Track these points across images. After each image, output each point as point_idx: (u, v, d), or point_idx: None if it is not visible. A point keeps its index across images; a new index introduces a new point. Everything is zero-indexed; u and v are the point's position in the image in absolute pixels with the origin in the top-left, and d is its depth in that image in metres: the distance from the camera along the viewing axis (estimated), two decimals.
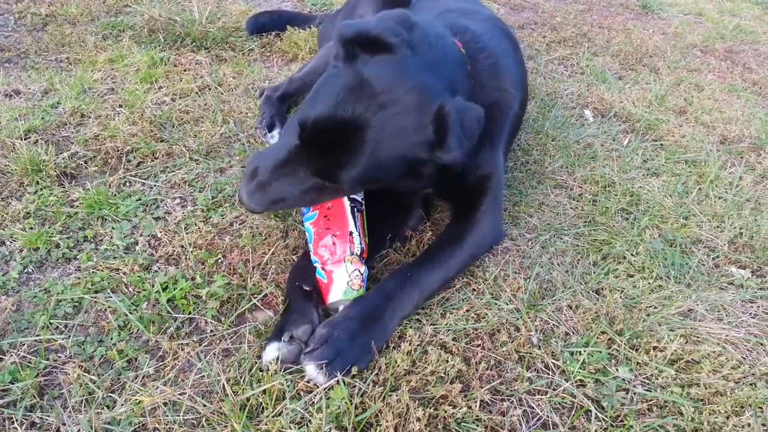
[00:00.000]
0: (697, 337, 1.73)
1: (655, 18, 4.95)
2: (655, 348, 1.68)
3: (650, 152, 2.74)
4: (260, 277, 1.72)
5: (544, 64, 3.53)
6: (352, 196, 1.76)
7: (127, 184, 2.02)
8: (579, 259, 2.00)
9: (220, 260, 1.75)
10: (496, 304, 1.75)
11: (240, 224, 1.91)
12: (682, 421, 1.48)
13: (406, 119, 1.47)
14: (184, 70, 2.72)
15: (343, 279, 1.63)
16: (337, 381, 1.38)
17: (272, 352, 1.46)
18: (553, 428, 1.45)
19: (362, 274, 1.66)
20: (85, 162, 2.06)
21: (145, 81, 2.56)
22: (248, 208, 1.58)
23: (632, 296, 1.86)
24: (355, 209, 1.76)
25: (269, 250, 1.80)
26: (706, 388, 1.57)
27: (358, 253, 1.69)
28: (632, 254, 2.04)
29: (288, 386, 1.38)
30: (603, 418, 1.48)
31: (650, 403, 1.53)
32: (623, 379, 1.58)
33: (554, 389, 1.54)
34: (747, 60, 4.29)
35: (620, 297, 1.83)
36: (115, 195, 1.94)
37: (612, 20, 4.60)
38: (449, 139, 1.47)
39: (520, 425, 1.44)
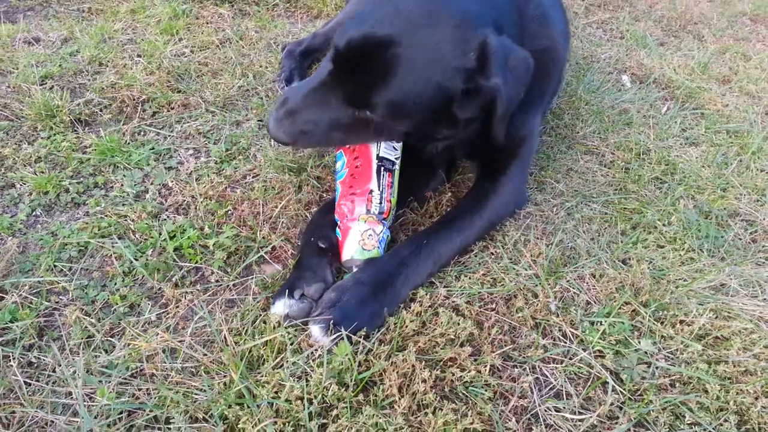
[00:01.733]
0: (729, 313, 1.62)
1: None
2: (681, 322, 1.58)
3: (690, 121, 2.59)
4: (270, 230, 1.66)
5: (582, 27, 3.37)
6: (382, 155, 1.67)
7: (142, 133, 1.98)
8: (606, 228, 1.90)
9: (230, 212, 1.70)
10: (514, 269, 1.67)
11: (253, 177, 1.85)
12: (707, 398, 1.39)
13: (446, 44, 1.38)
14: (206, 23, 2.66)
15: (355, 237, 1.56)
16: (342, 338, 1.32)
17: (281, 307, 1.41)
18: (567, 398, 1.37)
19: (377, 234, 1.59)
20: (100, 110, 2.02)
21: (165, 32, 2.51)
22: (274, 136, 1.51)
23: (661, 267, 1.75)
24: (383, 168, 1.66)
25: (281, 203, 1.74)
26: (734, 366, 1.47)
27: (376, 213, 1.61)
28: (664, 224, 1.92)
29: (290, 339, 1.33)
30: (621, 391, 1.39)
31: (673, 378, 1.44)
32: (645, 352, 1.49)
33: (570, 358, 1.46)
34: None
35: (648, 267, 1.72)
36: (128, 143, 1.91)
37: None
38: (492, 65, 1.37)
39: (532, 392, 1.37)
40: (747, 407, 1.38)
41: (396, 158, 1.70)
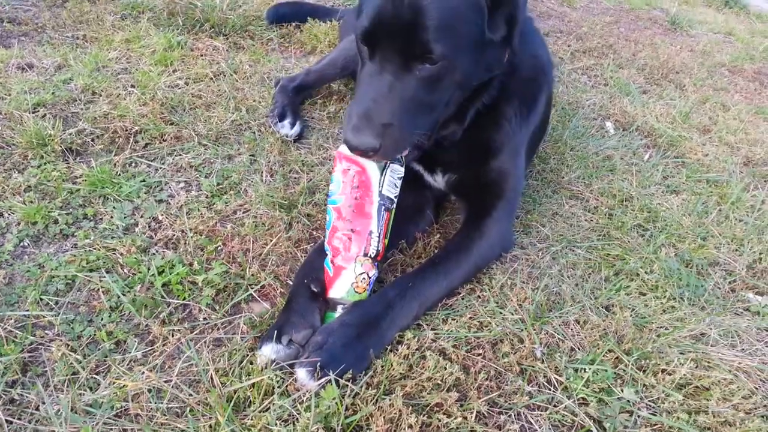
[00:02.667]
0: (708, 363, 1.66)
1: (683, 35, 4.87)
2: (663, 371, 1.60)
3: (671, 169, 2.66)
4: (259, 267, 1.67)
5: (568, 73, 3.47)
6: (384, 192, 1.67)
7: (133, 164, 1.98)
8: (590, 273, 1.93)
9: (219, 248, 1.70)
10: (500, 313, 1.69)
11: (243, 212, 1.86)
12: None
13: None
14: (201, 55, 2.69)
15: (349, 279, 1.57)
16: (329, 381, 1.32)
17: (268, 351, 1.40)
18: None
19: (369, 278, 1.60)
20: (92, 140, 2.02)
21: (160, 63, 2.53)
22: (359, 144, 1.46)
23: (643, 315, 1.78)
24: (383, 207, 1.67)
25: (271, 240, 1.75)
26: (714, 417, 1.50)
27: (372, 255, 1.62)
28: (646, 272, 1.97)
29: (277, 382, 1.32)
30: None
31: (654, 427, 1.46)
32: (628, 401, 1.51)
33: (555, 406, 1.47)
34: None
35: (630, 315, 1.75)
36: (120, 175, 1.91)
37: (639, 34, 4.52)
38: None
39: None
40: None
41: (395, 197, 1.72)
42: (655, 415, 1.49)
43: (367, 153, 1.49)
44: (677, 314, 1.81)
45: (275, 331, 1.44)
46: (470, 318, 1.66)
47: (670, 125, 3.02)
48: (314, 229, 1.85)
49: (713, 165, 2.74)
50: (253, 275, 1.64)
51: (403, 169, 1.73)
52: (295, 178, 2.05)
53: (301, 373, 1.34)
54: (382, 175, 1.66)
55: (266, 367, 1.35)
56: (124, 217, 1.75)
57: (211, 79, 2.51)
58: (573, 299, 1.80)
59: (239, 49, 2.86)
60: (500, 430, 1.39)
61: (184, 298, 1.53)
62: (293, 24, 3.21)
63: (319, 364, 1.34)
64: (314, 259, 1.66)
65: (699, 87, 3.69)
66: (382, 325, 1.51)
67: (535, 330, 1.65)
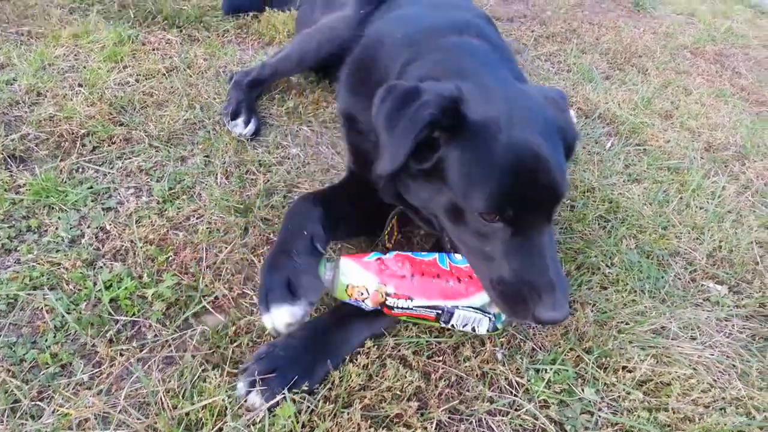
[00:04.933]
0: (669, 358, 1.66)
1: (647, 16, 4.86)
2: (624, 368, 1.61)
3: (633, 157, 2.66)
4: (213, 277, 1.62)
5: (531, 60, 3.44)
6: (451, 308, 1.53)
7: (80, 170, 1.90)
8: None
9: (171, 258, 1.64)
10: None
11: (197, 219, 1.80)
12: None
13: None
14: (153, 49, 2.59)
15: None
16: (277, 402, 1.28)
17: (285, 316, 1.35)
18: None
19: (363, 298, 1.49)
20: (36, 145, 1.93)
21: (109, 59, 2.43)
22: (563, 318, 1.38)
23: (604, 310, 1.78)
24: (430, 310, 1.52)
25: (225, 247, 1.70)
26: (674, 413, 1.50)
27: (384, 302, 1.50)
28: (607, 265, 1.96)
29: (230, 402, 1.28)
30: None
31: (616, 427, 1.46)
32: (589, 401, 1.51)
33: (516, 410, 1.46)
34: (737, 64, 4.23)
35: (591, 311, 1.75)
36: (65, 182, 1.83)
37: (603, 17, 4.51)
38: None
39: None
40: None
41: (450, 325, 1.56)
42: (616, 415, 1.49)
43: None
44: (638, 308, 1.82)
45: (285, 290, 1.37)
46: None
47: (632, 112, 3.02)
48: (272, 233, 1.80)
49: (674, 152, 2.75)
50: (206, 286, 1.59)
51: (484, 326, 1.53)
52: (251, 179, 1.99)
53: (240, 387, 1.31)
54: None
55: (218, 387, 1.31)
56: (70, 228, 1.68)
57: (164, 75, 2.42)
58: None
59: (194, 41, 2.76)
60: None
61: (133, 314, 1.48)
62: (250, 14, 3.11)
63: (257, 372, 1.31)
64: (310, 210, 1.59)
65: (661, 71, 3.70)
66: (332, 338, 1.47)
67: (496, 335, 1.63)
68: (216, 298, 1.57)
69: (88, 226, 1.70)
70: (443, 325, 1.52)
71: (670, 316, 1.81)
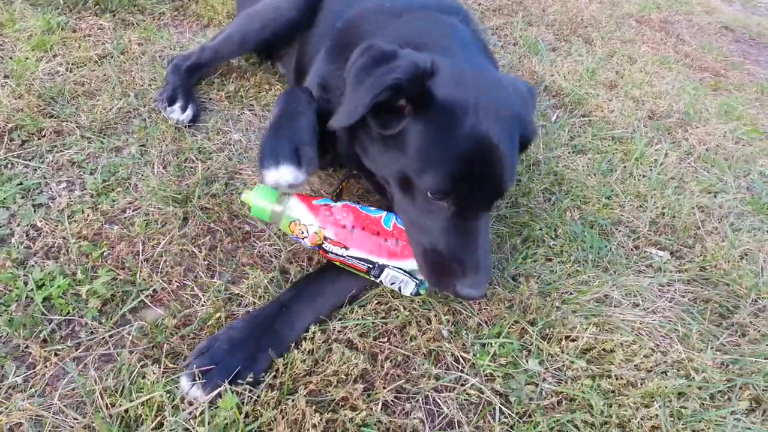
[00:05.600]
0: (611, 326, 1.70)
1: None
2: (567, 338, 1.64)
3: (578, 128, 2.69)
4: (151, 270, 1.58)
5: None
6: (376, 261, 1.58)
7: (8, 166, 1.82)
8: (498, 243, 1.94)
9: (106, 253, 1.59)
10: (411, 300, 1.67)
11: (133, 211, 1.75)
12: (591, 415, 1.44)
13: None
14: (84, 36, 2.48)
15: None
16: (218, 393, 1.26)
17: (286, 175, 1.45)
18: (458, 427, 1.39)
19: (306, 233, 1.57)
20: None
21: (37, 48, 2.32)
22: (482, 294, 1.46)
23: (548, 282, 1.81)
24: (364, 264, 1.58)
25: (164, 239, 1.66)
26: (617, 380, 1.54)
27: (323, 237, 1.56)
28: (551, 237, 1.99)
29: (169, 397, 1.26)
30: (510, 414, 1.43)
31: (560, 396, 1.49)
32: (534, 372, 1.53)
33: (462, 385, 1.47)
34: (681, 31, 4.31)
35: (536, 283, 1.77)
36: None
37: None
38: None
39: (423, 426, 1.37)
40: (628, 419, 1.45)
41: (379, 280, 1.62)
42: (560, 384, 1.52)
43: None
44: (581, 277, 1.85)
45: (294, 154, 1.49)
46: (377, 304, 1.63)
47: (577, 83, 3.05)
48: (212, 222, 1.76)
49: (619, 121, 2.79)
50: (144, 280, 1.54)
51: (409, 288, 1.59)
52: (190, 167, 1.94)
53: (183, 381, 1.29)
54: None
55: (157, 382, 1.28)
56: None
57: (96, 62, 2.33)
58: None
59: (128, 26, 2.66)
60: (407, 417, 1.38)
61: (68, 313, 1.43)
62: None
63: (197, 367, 1.28)
64: (308, 100, 1.72)
65: (607, 41, 3.74)
66: (275, 326, 1.46)
67: (441, 311, 1.64)
68: (154, 291, 1.54)
69: (18, 224, 1.63)
70: (373, 279, 1.58)
71: (612, 285, 1.84)
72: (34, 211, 1.68)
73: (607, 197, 2.26)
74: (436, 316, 1.61)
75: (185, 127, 2.10)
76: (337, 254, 1.55)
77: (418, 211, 1.47)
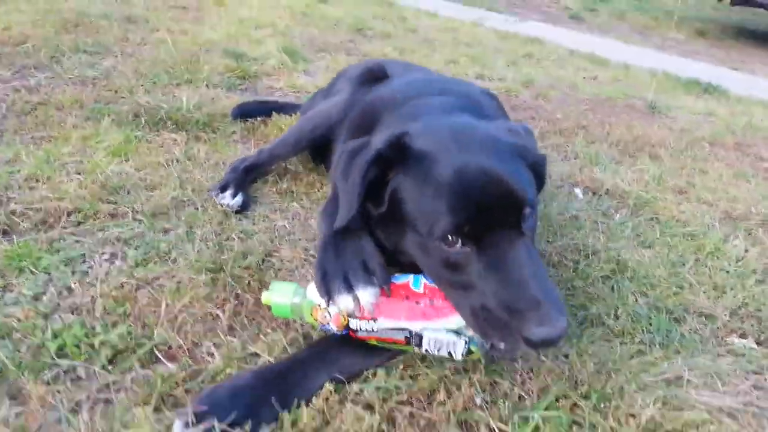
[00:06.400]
0: (682, 403, 1.43)
1: (662, 117, 4.88)
2: (628, 414, 1.39)
3: (644, 226, 2.52)
4: (170, 327, 1.53)
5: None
6: (421, 332, 1.41)
7: (60, 240, 1.90)
8: None
9: (128, 310, 1.57)
10: (441, 363, 1.50)
11: (167, 278, 1.74)
12: None
13: None
14: (159, 146, 2.70)
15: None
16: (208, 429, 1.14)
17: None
18: None
19: (328, 320, 1.42)
20: (22, 219, 1.96)
21: (114, 155, 2.53)
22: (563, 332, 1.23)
23: (606, 361, 1.58)
24: (403, 332, 1.41)
25: (188, 301, 1.62)
26: None
27: (352, 327, 1.42)
28: (612, 318, 1.78)
29: None
30: None
31: None
32: None
33: None
34: (758, 151, 4.13)
35: (593, 363, 1.55)
36: (42, 249, 1.82)
37: (616, 117, 4.53)
38: None
39: None
40: None
41: (424, 350, 1.42)
42: None
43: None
44: (647, 359, 1.61)
45: (365, 271, 1.41)
46: (404, 369, 1.47)
47: (643, 188, 2.92)
48: (242, 289, 1.72)
49: (690, 221, 2.61)
50: (159, 335, 1.49)
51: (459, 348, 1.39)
52: (230, 245, 1.95)
53: (176, 425, 1.17)
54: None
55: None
56: (35, 287, 1.64)
57: (162, 165, 2.50)
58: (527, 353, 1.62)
59: (199, 140, 2.87)
60: None
61: (77, 359, 1.38)
62: (259, 119, 3.26)
63: (194, 410, 1.17)
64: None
65: (676, 157, 3.63)
66: (286, 380, 1.35)
67: (476, 377, 1.45)
68: (169, 347, 1.47)
69: (53, 285, 1.66)
70: (416, 349, 1.39)
71: (683, 365, 1.59)
72: (72, 275, 1.71)
73: (679, 286, 2.04)
74: (470, 383, 1.43)
75: (233, 212, 2.15)
76: (367, 330, 1.40)
77: (446, 270, 1.36)
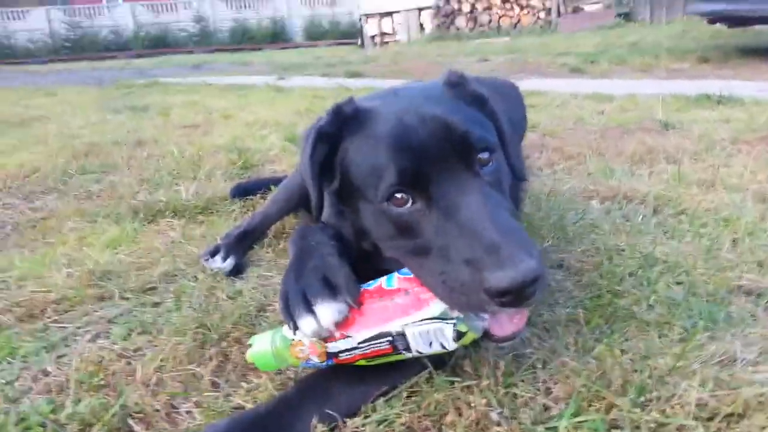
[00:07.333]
0: (738, 381, 1.20)
1: (677, 131, 4.68)
2: (675, 403, 1.16)
3: (669, 221, 2.32)
4: (146, 392, 1.38)
5: (546, 175, 3.27)
6: (405, 332, 1.20)
7: (44, 330, 1.80)
8: (574, 327, 1.54)
9: (102, 381, 1.43)
10: (450, 384, 1.31)
11: (148, 349, 1.61)
12: None
13: None
14: (156, 232, 2.64)
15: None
16: None
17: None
18: None
19: (307, 356, 1.26)
20: (4, 314, 1.87)
21: (108, 247, 2.48)
22: (532, 272, 1.01)
23: (645, 355, 1.36)
24: (390, 341, 1.21)
25: (170, 365, 1.48)
26: None
27: (331, 351, 1.24)
28: (644, 309, 1.57)
29: None
30: None
31: None
32: None
33: None
34: None
35: (629, 359, 1.34)
36: (23, 339, 1.72)
37: (629, 137, 4.36)
38: None
39: None
40: None
41: (416, 351, 1.22)
42: None
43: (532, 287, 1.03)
44: (691, 344, 1.38)
45: (325, 287, 1.24)
46: (408, 396, 1.29)
47: (663, 188, 2.73)
48: (228, 345, 1.57)
49: (720, 208, 2.39)
50: (136, 403, 1.34)
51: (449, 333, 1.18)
52: (219, 305, 1.82)
53: None
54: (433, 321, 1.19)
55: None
56: (9, 375, 1.52)
57: (156, 248, 2.42)
58: (552, 352, 1.41)
59: (196, 222, 2.81)
60: None
61: None
62: (258, 195, 3.21)
63: None
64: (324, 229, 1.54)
65: (697, 158, 3.42)
66: (268, 426, 1.18)
67: (491, 391, 1.25)
68: (144, 414, 1.32)
69: (29, 371, 1.54)
70: (404, 353, 1.20)
71: (733, 342, 1.36)
72: (50, 358, 1.59)
73: (717, 269, 1.81)
74: (484, 398, 1.23)
75: (226, 276, 2.04)
76: (348, 350, 1.23)
77: (404, 238, 1.23)
